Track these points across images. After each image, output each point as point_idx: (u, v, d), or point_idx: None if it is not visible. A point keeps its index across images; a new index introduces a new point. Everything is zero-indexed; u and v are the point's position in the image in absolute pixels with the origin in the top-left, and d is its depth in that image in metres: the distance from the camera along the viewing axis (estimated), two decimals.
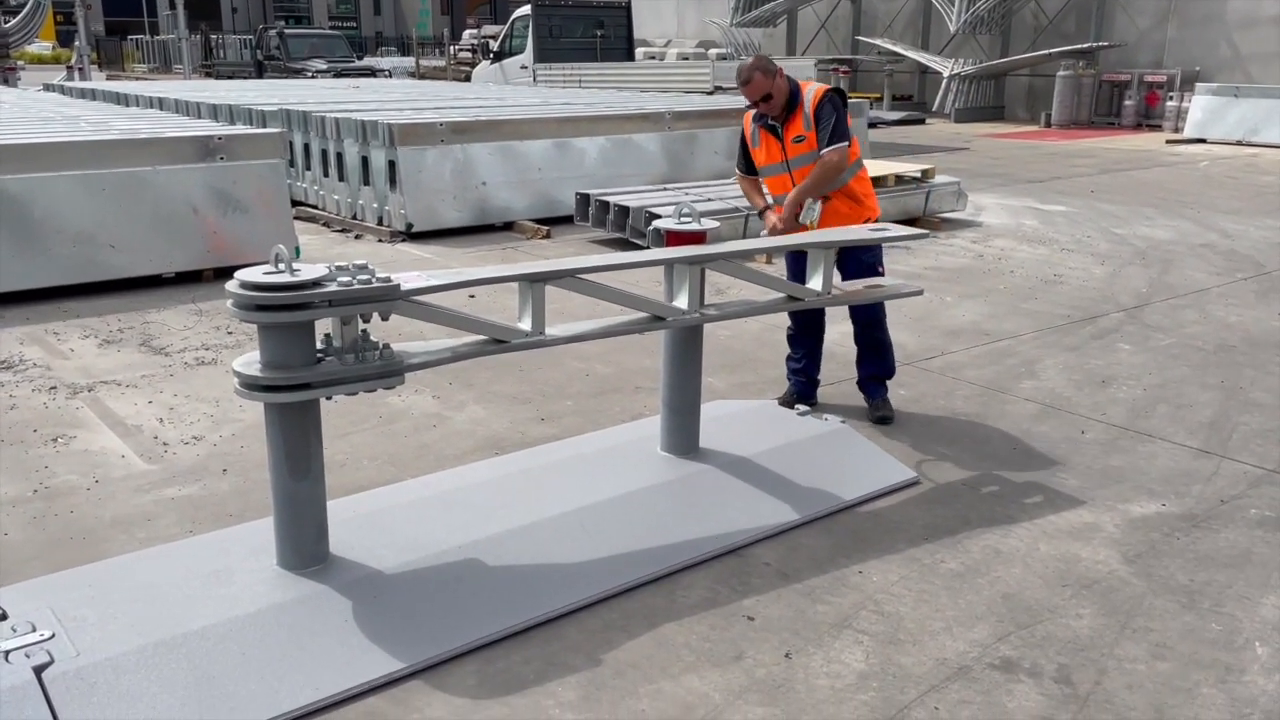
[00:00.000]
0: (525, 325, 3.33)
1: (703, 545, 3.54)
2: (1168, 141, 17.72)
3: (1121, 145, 17.25)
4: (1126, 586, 3.38)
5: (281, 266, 2.94)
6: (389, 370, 3.06)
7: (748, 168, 4.79)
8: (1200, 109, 17.93)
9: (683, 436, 4.03)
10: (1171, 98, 19.35)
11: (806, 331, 4.88)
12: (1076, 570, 3.48)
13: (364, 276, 2.94)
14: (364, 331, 3.06)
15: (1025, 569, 3.49)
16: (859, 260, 4.59)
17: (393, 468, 4.26)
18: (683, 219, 3.88)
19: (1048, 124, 20.50)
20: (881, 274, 4.64)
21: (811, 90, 4.52)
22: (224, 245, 7.42)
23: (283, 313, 2.86)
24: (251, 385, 2.94)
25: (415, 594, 3.15)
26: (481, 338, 3.30)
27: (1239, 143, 17.11)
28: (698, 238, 3.86)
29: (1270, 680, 2.89)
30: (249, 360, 3.00)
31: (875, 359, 4.83)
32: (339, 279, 2.91)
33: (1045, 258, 8.44)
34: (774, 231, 4.57)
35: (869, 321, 4.78)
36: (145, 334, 6.14)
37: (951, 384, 5.33)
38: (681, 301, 3.69)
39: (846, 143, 4.45)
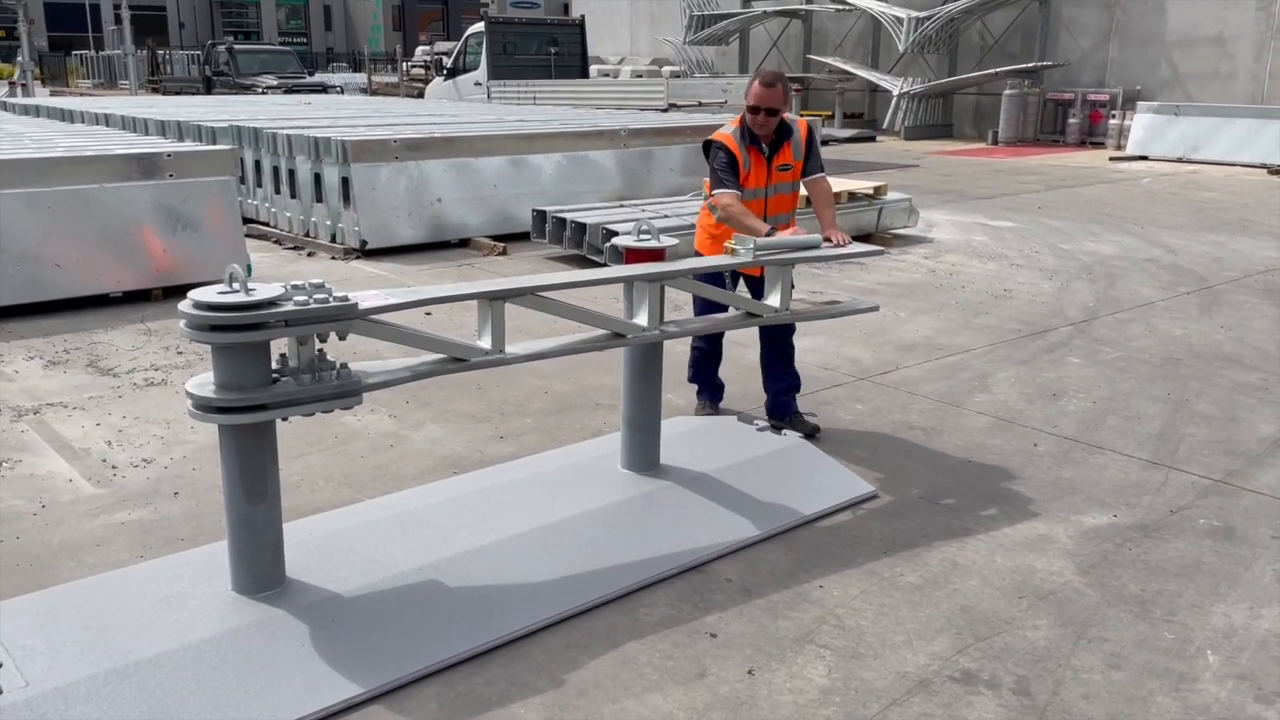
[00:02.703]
0: (485, 343, 3.31)
1: (664, 562, 3.54)
2: (1111, 159, 18.13)
3: (1066, 162, 17.61)
4: (1081, 597, 3.43)
5: (236, 286, 2.90)
6: (346, 390, 3.03)
7: (738, 188, 4.55)
8: (1142, 127, 18.37)
9: (643, 453, 4.03)
10: (1114, 116, 19.82)
11: (717, 353, 4.99)
12: (1032, 582, 3.53)
13: (320, 295, 2.91)
14: (320, 351, 3.03)
15: (982, 581, 3.53)
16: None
17: (349, 489, 4.21)
18: (641, 236, 3.89)
19: (995, 141, 20.88)
20: None
21: (796, 120, 4.61)
22: (173, 264, 7.30)
23: (238, 333, 2.82)
24: (205, 407, 2.89)
25: (374, 616, 3.10)
26: (441, 356, 3.28)
27: (1180, 160, 17.55)
28: (657, 255, 3.88)
29: (1222, 688, 2.95)
30: (202, 381, 2.95)
31: (790, 372, 4.86)
32: (294, 298, 2.88)
33: (995, 273, 8.58)
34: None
35: (788, 338, 4.84)
36: (93, 355, 6.02)
37: (907, 398, 5.39)
38: (641, 319, 3.69)
39: None
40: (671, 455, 4.09)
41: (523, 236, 9.50)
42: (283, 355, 2.99)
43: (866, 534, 3.86)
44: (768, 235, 4.26)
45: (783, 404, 4.84)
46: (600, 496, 3.87)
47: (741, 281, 4.79)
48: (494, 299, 3.30)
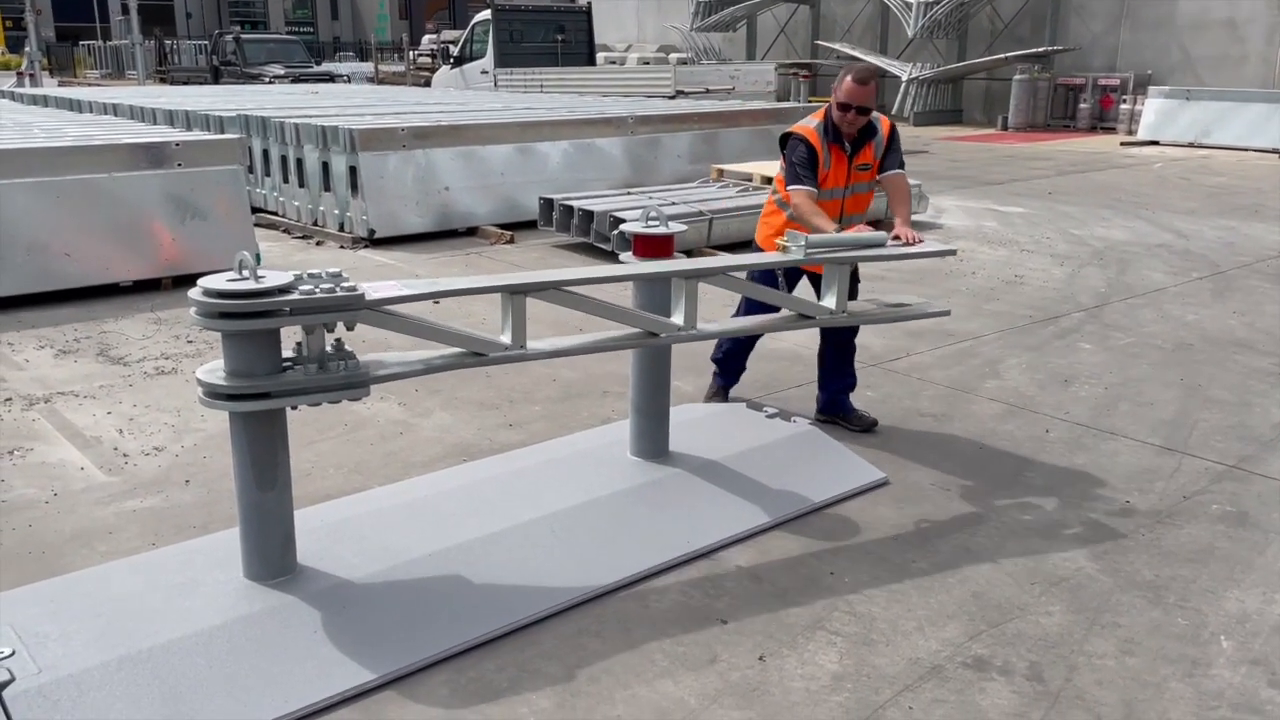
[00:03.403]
0: (505, 338, 3.26)
1: (675, 549, 3.53)
2: (1122, 144, 18.01)
3: (1077, 148, 17.51)
4: (1094, 583, 3.41)
5: (246, 273, 2.89)
6: (353, 382, 3.00)
7: (815, 185, 4.34)
8: (1153, 112, 18.26)
9: (652, 440, 4.01)
10: (1125, 101, 19.70)
11: (752, 342, 4.91)
12: (1045, 568, 3.51)
13: (327, 285, 2.90)
14: (338, 341, 3.02)
15: (994, 567, 3.51)
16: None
17: (359, 476, 4.21)
18: (650, 223, 3.87)
19: (1005, 127, 20.76)
20: None
21: (879, 117, 4.42)
22: (183, 253, 7.30)
23: (244, 320, 2.82)
24: (212, 393, 2.90)
25: (385, 603, 3.11)
26: (458, 350, 3.23)
27: (1191, 144, 17.43)
28: (665, 241, 3.85)
29: (1236, 673, 2.94)
30: (212, 368, 2.95)
31: (850, 370, 4.76)
32: (300, 288, 2.87)
33: (1006, 259, 8.53)
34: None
35: (852, 336, 4.71)
36: (103, 343, 6.03)
37: (917, 385, 5.37)
38: (678, 317, 3.56)
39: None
40: (681, 442, 4.08)
41: (530, 225, 9.49)
42: (299, 344, 2.98)
43: (877, 521, 3.85)
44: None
45: (840, 402, 4.76)
46: (609, 484, 3.86)
47: (805, 279, 4.64)
48: (514, 293, 3.24)
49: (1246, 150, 16.65)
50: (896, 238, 4.17)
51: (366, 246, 8.95)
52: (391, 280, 3.14)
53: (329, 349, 3.02)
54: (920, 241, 4.20)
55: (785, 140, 4.43)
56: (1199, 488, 4.15)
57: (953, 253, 4.65)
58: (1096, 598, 3.32)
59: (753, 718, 2.73)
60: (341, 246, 9.04)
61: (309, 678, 2.81)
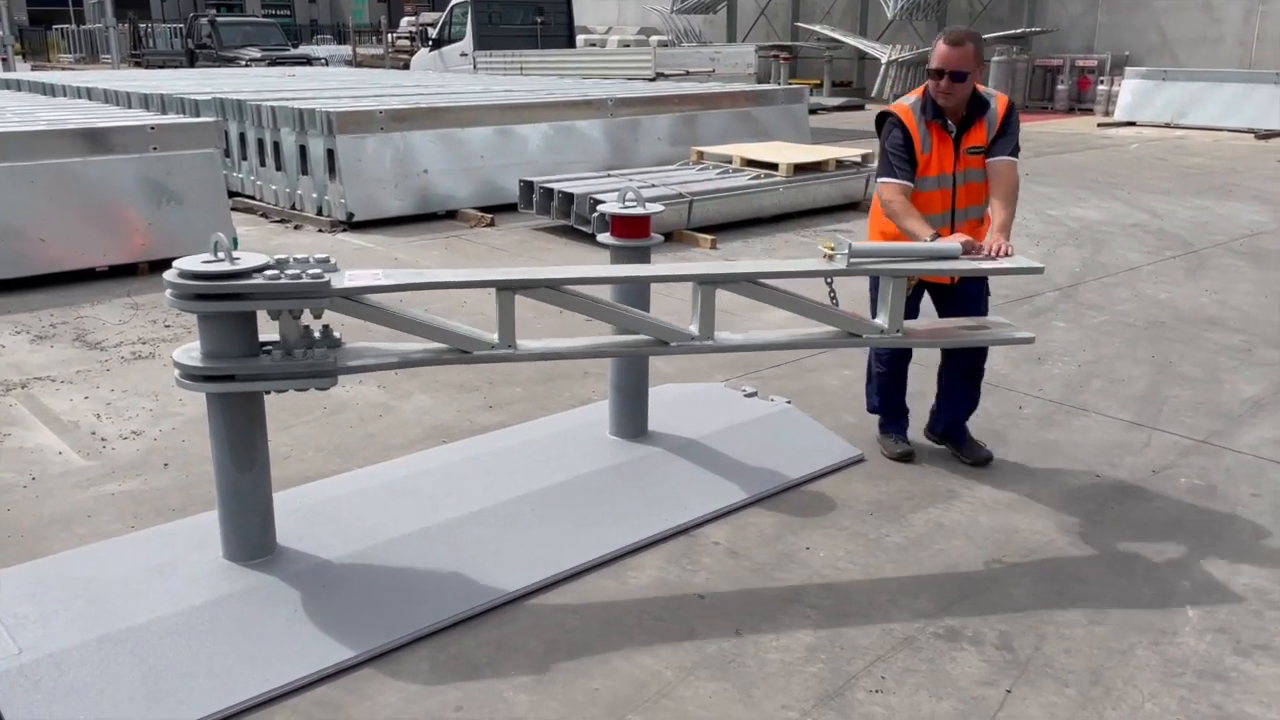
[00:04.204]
0: (493, 336, 3.12)
1: (653, 526, 3.57)
2: (1099, 124, 18.11)
3: (1055, 129, 17.59)
4: (1063, 555, 3.48)
5: (221, 255, 2.90)
6: (317, 371, 2.97)
7: (910, 176, 3.74)
8: (1130, 92, 18.35)
9: (631, 420, 4.05)
10: (1102, 82, 19.79)
11: (901, 376, 4.27)
12: (1015, 541, 3.57)
13: (293, 271, 2.86)
14: (325, 328, 3.01)
15: (967, 540, 3.57)
16: (970, 293, 3.97)
17: (339, 458, 4.23)
18: (628, 203, 3.89)
19: None
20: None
21: (994, 95, 3.84)
22: (159, 238, 7.26)
23: (211, 302, 2.84)
24: (185, 373, 2.92)
25: (365, 582, 3.13)
26: (440, 345, 3.12)
27: (1167, 125, 17.55)
28: (643, 223, 3.87)
29: (1201, 641, 3.00)
30: (189, 349, 2.96)
31: (972, 395, 4.18)
32: (267, 272, 2.86)
33: None
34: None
35: (982, 352, 4.13)
36: (79, 329, 6.00)
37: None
38: (693, 325, 3.25)
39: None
40: (660, 422, 4.11)
41: (510, 208, 9.47)
42: (306, 327, 2.98)
43: (852, 497, 3.90)
44: (930, 242, 3.53)
45: (954, 430, 4.21)
46: (589, 463, 3.90)
47: (926, 293, 4.04)
48: (504, 289, 3.08)
49: (1222, 130, 16.77)
50: (977, 249, 3.49)
51: (345, 230, 8.93)
52: (372, 269, 3.07)
53: (317, 335, 3.02)
54: (1008, 254, 3.51)
55: (881, 121, 3.86)
56: (1168, 462, 4.22)
57: (1040, 269, 3.62)
58: (1065, 569, 3.39)
59: (728, 689, 2.78)
60: (320, 230, 9.01)
61: (290, 656, 2.84)
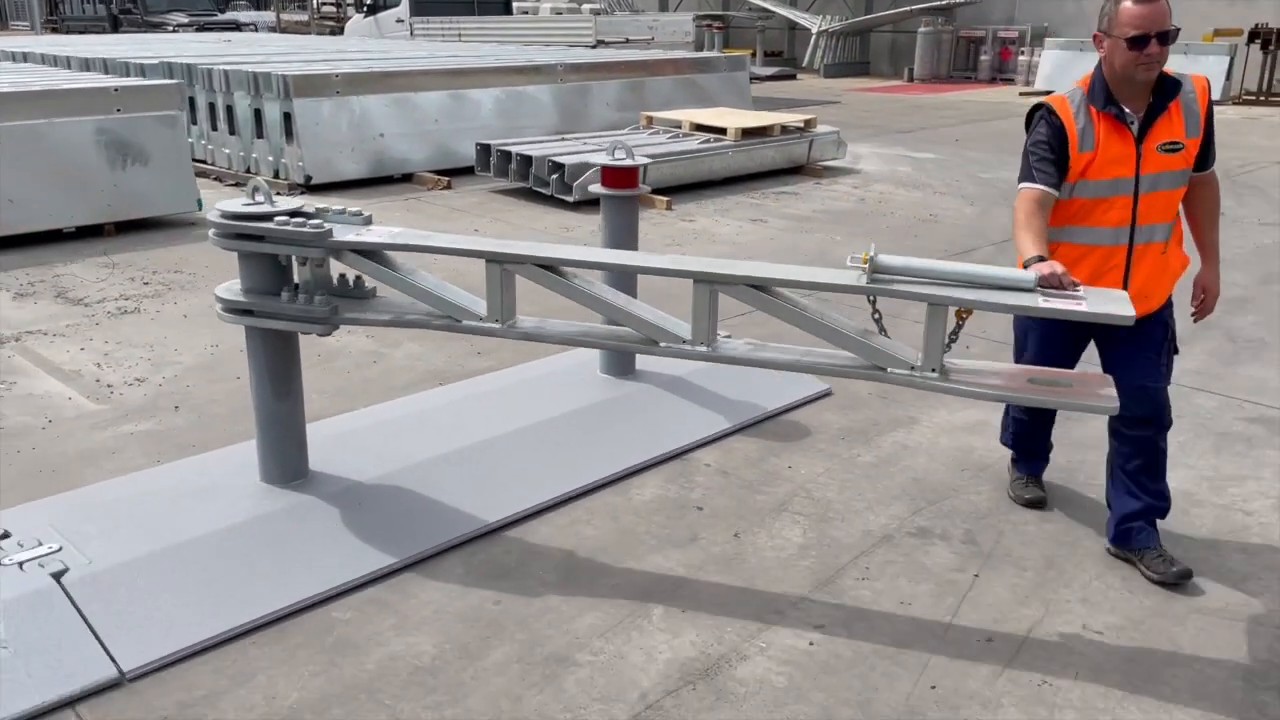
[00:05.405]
0: (482, 309, 3.08)
1: (650, 450, 3.91)
2: (1021, 94, 18.78)
3: (979, 98, 18.24)
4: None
5: (260, 198, 3.16)
6: (313, 317, 3.11)
7: (1052, 181, 2.94)
8: (1049, 63, 19.05)
9: (620, 359, 4.37)
10: (1023, 53, 20.53)
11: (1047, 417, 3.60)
12: (972, 458, 4.00)
13: (316, 222, 3.06)
14: (358, 278, 3.19)
15: (930, 458, 3.99)
16: (1141, 340, 3.08)
17: (344, 399, 4.48)
18: (616, 155, 4.19)
19: (910, 79, 21.45)
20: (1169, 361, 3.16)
21: (1186, 75, 3.02)
22: (124, 198, 7.32)
23: (235, 240, 3.12)
24: (220, 303, 3.20)
25: (395, 501, 3.42)
26: (430, 310, 3.08)
27: None
28: (631, 174, 4.19)
29: None
30: (230, 284, 3.23)
31: (1154, 488, 3.17)
32: (276, 218, 3.09)
33: (921, 200, 9.07)
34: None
35: (1162, 432, 3.13)
36: (58, 286, 6.10)
37: (849, 313, 5.79)
38: (683, 329, 2.91)
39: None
40: (647, 361, 4.44)
41: (466, 171, 9.67)
42: (341, 276, 3.19)
43: (825, 424, 4.29)
44: (1032, 263, 2.67)
45: (1132, 532, 3.18)
46: (584, 397, 4.22)
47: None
48: (501, 261, 3.02)
49: None
50: (1069, 284, 2.57)
51: (303, 192, 9.03)
52: (394, 228, 3.20)
53: (335, 282, 3.25)
54: (1215, 295, 3.04)
55: (1031, 116, 3.12)
56: None
57: (1131, 320, 2.48)
58: None
59: (734, 580, 3.15)
60: (278, 193, 9.06)
61: (335, 565, 3.12)
